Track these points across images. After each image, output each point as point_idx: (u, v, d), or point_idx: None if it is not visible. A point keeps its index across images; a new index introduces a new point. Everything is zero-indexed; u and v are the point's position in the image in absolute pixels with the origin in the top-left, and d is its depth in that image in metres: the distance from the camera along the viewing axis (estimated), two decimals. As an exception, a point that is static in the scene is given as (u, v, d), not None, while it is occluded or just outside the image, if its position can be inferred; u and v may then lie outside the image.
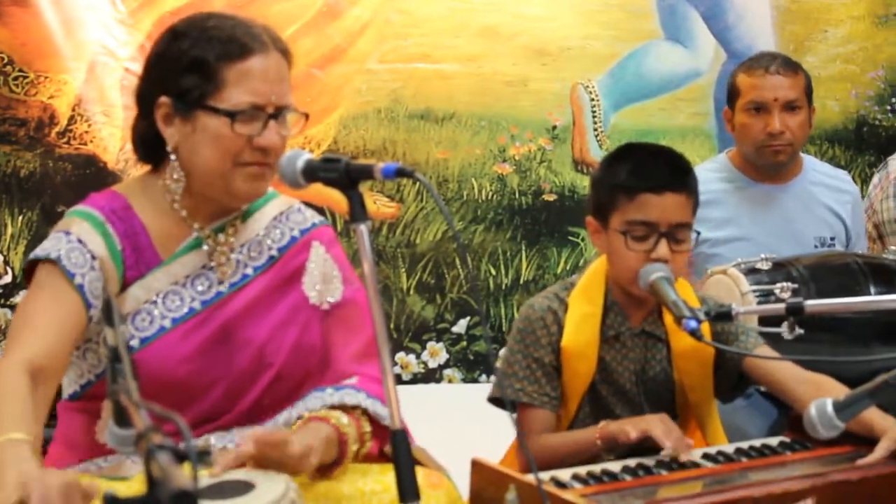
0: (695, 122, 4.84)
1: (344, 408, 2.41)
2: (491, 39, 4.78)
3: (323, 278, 2.57)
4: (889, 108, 4.89)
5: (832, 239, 3.92)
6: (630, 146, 2.89)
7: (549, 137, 4.81)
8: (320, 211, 3.60)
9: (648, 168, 2.75)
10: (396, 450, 1.95)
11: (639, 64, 4.84)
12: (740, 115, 3.81)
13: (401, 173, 2.01)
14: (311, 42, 4.68)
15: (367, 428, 2.42)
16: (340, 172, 2.04)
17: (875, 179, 4.21)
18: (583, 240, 4.70)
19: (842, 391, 2.43)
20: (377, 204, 4.75)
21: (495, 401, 2.84)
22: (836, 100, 4.89)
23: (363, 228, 2.01)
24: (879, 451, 2.47)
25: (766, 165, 3.85)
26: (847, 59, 4.92)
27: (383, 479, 2.35)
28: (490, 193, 4.79)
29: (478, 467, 2.35)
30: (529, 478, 2.18)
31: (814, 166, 3.99)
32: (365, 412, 2.43)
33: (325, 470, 2.34)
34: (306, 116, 2.46)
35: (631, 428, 2.55)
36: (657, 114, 4.84)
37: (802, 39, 4.89)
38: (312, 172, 2.07)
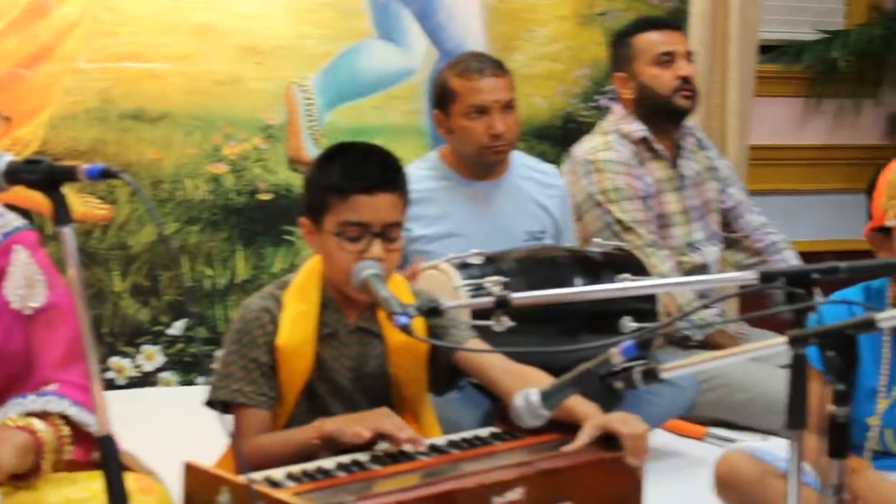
0: (408, 119, 4.90)
1: (45, 414, 2.35)
2: (203, 38, 4.73)
3: (26, 282, 2.50)
4: (593, 104, 5.06)
5: (542, 232, 4.03)
6: (341, 146, 2.90)
7: (264, 136, 4.80)
8: (27, 213, 3.49)
9: (360, 169, 2.77)
10: (104, 456, 1.92)
11: (352, 62, 4.87)
12: (460, 119, 3.87)
13: (106, 174, 1.97)
14: (17, 41, 4.54)
15: (66, 432, 2.36)
16: (43, 174, 1.99)
17: (564, 169, 4.36)
18: (299, 238, 4.70)
19: (548, 381, 2.50)
20: (88, 206, 4.64)
21: (212, 404, 2.82)
22: (544, 97, 5.03)
23: (67, 231, 1.96)
24: (582, 437, 2.56)
25: (486, 165, 3.93)
26: (553, 57, 5.06)
27: (91, 486, 2.30)
28: (205, 193, 4.74)
29: (190, 470, 2.33)
30: (242, 479, 2.17)
31: (522, 161, 4.09)
32: (67, 419, 2.37)
33: (21, 478, 2.27)
34: (7, 119, 2.39)
35: (361, 427, 2.56)
36: (371, 112, 4.88)
37: (510, 38, 5.01)
38: (14, 174, 2.02)
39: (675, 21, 4.59)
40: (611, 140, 4.32)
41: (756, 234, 4.58)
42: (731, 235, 4.57)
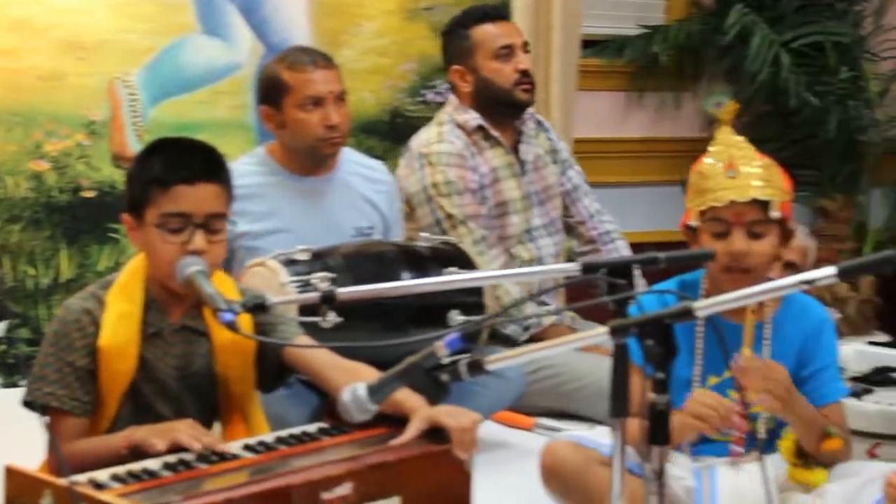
0: (235, 115, 4.86)
1: None
2: (24, 32, 4.62)
3: None
4: (420, 99, 5.08)
5: (370, 228, 4.04)
6: (163, 140, 2.88)
7: (87, 133, 4.71)
8: None
9: (181, 160, 2.76)
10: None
11: (176, 57, 4.80)
12: (294, 112, 3.86)
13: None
14: None
15: None
16: None
17: (402, 162, 4.38)
18: (124, 236, 4.63)
19: (376, 376, 2.50)
20: None
21: (29, 404, 2.76)
22: (371, 92, 5.03)
23: None
24: (410, 431, 2.58)
25: (319, 158, 3.92)
26: (380, 52, 5.06)
27: None
28: (26, 191, 4.63)
29: (11, 474, 2.28)
30: (65, 481, 2.13)
31: (350, 157, 4.09)
32: None
33: None
34: None
35: (158, 440, 2.54)
36: (197, 107, 4.83)
37: (337, 33, 5.00)
38: None
39: (505, 9, 4.59)
40: (445, 131, 4.32)
41: (591, 221, 4.63)
42: (568, 220, 4.62)
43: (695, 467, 2.97)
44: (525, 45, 4.38)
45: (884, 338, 5.40)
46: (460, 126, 4.33)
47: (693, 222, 3.00)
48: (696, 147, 5.78)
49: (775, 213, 2.92)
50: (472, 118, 4.33)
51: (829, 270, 2.06)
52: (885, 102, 5.68)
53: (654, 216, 5.44)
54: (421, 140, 4.33)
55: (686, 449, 2.96)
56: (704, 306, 2.07)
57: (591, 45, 5.63)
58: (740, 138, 3.03)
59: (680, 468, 2.95)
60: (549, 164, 4.52)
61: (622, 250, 4.58)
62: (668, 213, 5.48)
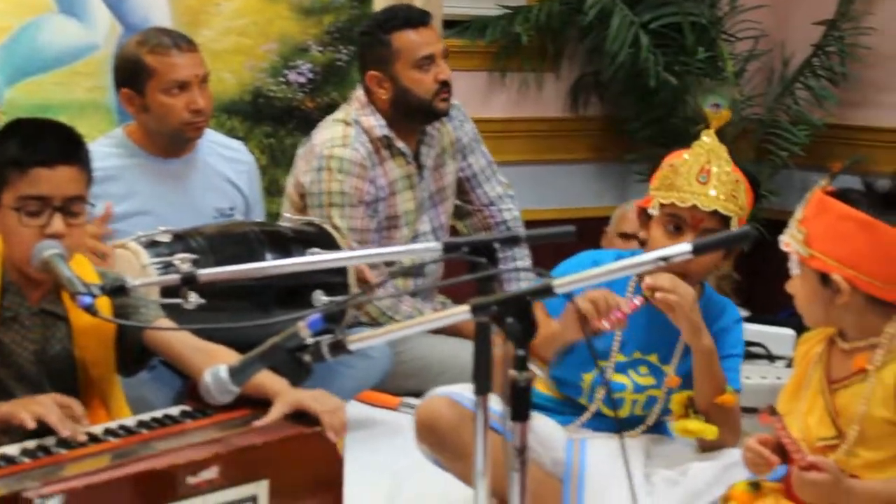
0: (93, 96, 4.77)
1: None
2: None
3: None
4: (282, 79, 5.05)
5: (232, 209, 4.01)
6: (18, 121, 2.83)
7: (-59, 115, 4.59)
8: None
9: (38, 142, 2.71)
10: None
11: (32, 38, 4.70)
12: (158, 96, 3.81)
13: None
14: None
15: None
16: None
17: (300, 151, 4.34)
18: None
19: (238, 357, 2.49)
20: None
21: None
22: (232, 72, 4.97)
23: None
24: (274, 412, 2.57)
25: (182, 141, 3.88)
26: (241, 32, 5.01)
27: None
28: None
29: None
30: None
31: (210, 138, 4.06)
32: None
33: None
34: None
35: (26, 416, 2.49)
36: (54, 88, 4.73)
37: (197, 13, 4.93)
38: None
39: (427, 14, 4.41)
40: (351, 135, 4.21)
41: (490, 209, 4.60)
42: (466, 207, 4.61)
43: (566, 439, 3.00)
44: (445, 52, 4.28)
45: (743, 313, 5.51)
46: (366, 131, 4.24)
47: (652, 210, 3.03)
48: (558, 127, 5.89)
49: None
50: (379, 125, 4.24)
51: (684, 247, 2.10)
52: (742, 82, 5.78)
53: (518, 196, 5.47)
54: (325, 139, 4.23)
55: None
56: (564, 283, 2.09)
57: (452, 25, 5.64)
58: (722, 147, 3.06)
59: (552, 438, 2.99)
60: (447, 161, 4.47)
61: (519, 240, 4.56)
62: (528, 192, 5.53)
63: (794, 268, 2.54)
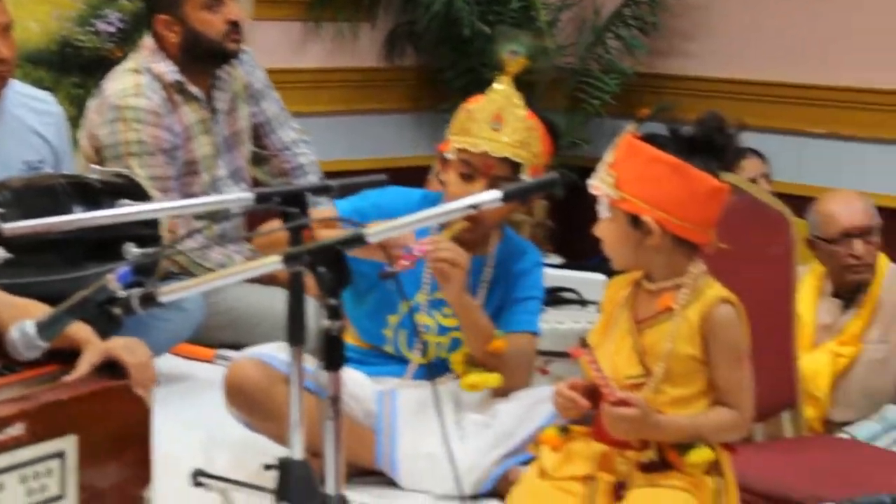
0: None
1: None
2: None
3: None
4: (91, 29, 4.94)
5: (40, 162, 3.92)
6: None
7: None
8: None
9: None
10: None
11: None
12: None
13: None
14: None
15: None
16: None
17: (91, 104, 4.24)
18: None
19: (46, 312, 2.44)
20: None
21: None
22: (37, 21, 4.85)
23: None
24: (82, 366, 2.52)
25: None
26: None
27: None
28: None
29: None
30: None
31: (16, 89, 3.95)
32: None
33: None
34: None
35: None
36: None
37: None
38: None
39: None
40: (143, 84, 4.13)
41: (285, 153, 4.56)
42: (262, 153, 4.56)
43: (376, 390, 3.02)
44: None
45: (556, 260, 5.60)
46: (157, 78, 4.16)
47: (448, 155, 3.04)
48: (373, 77, 5.88)
49: (523, 177, 2.99)
50: (171, 71, 4.17)
51: (494, 194, 2.12)
52: (555, 31, 5.84)
53: (331, 147, 5.46)
54: (116, 90, 4.14)
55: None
56: (375, 232, 2.10)
57: (266, -27, 5.58)
58: (517, 94, 3.06)
59: (362, 390, 3.00)
60: (240, 105, 4.42)
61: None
62: (346, 143, 5.53)
63: (603, 211, 2.58)
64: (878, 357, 4.01)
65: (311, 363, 2.20)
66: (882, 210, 4.24)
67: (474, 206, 2.12)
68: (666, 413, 2.51)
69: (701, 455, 2.48)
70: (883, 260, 4.08)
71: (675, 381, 2.54)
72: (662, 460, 2.52)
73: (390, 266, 2.78)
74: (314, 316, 2.12)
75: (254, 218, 4.45)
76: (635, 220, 2.54)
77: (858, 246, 4.00)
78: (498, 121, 2.99)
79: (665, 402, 2.52)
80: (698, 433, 2.50)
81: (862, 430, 3.85)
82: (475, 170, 2.98)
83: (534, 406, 2.91)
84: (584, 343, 2.49)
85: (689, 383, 2.54)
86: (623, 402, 2.44)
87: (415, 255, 2.83)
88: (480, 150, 2.97)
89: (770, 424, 3.61)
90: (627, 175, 2.53)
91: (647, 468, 2.52)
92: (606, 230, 2.58)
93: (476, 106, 3.03)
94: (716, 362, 2.54)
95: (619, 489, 2.52)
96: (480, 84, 5.56)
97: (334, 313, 2.06)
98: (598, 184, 2.56)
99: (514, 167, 3.00)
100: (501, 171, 2.98)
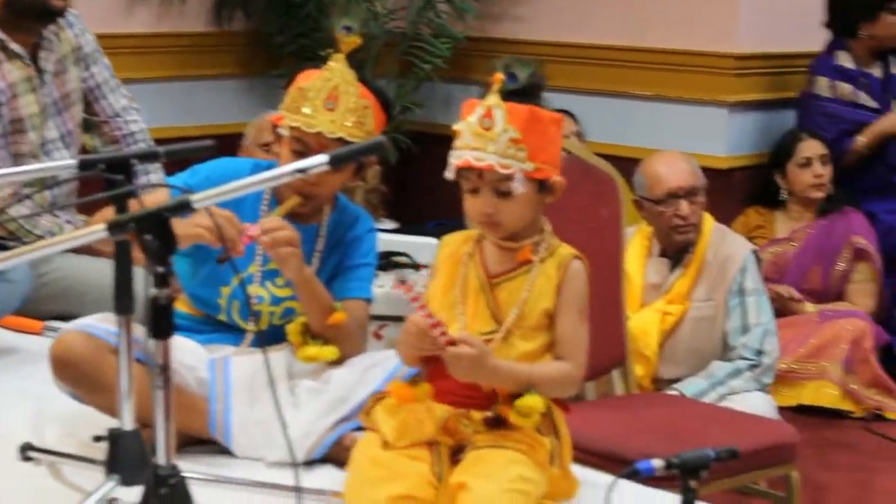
0: None
1: None
2: None
3: None
4: None
5: None
6: None
7: None
8: None
9: None
10: None
11: None
12: None
13: None
14: None
15: None
16: None
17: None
18: None
19: None
20: None
21: None
22: None
23: None
24: None
25: None
26: None
27: None
28: None
29: None
30: None
31: None
32: None
33: None
34: None
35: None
36: None
37: None
38: None
39: None
40: None
41: (116, 120, 4.45)
42: (92, 119, 4.45)
43: (209, 358, 2.99)
44: None
45: (391, 225, 5.62)
46: None
47: (281, 130, 3.00)
48: (203, 42, 5.81)
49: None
50: None
51: (320, 158, 2.12)
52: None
53: (163, 113, 5.39)
54: None
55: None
56: (202, 198, 2.08)
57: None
58: (351, 73, 3.01)
59: (193, 359, 2.97)
60: (69, 68, 4.31)
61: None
62: (174, 108, 5.46)
63: (518, 188, 2.54)
64: (704, 315, 4.09)
65: (140, 332, 2.17)
66: (706, 170, 4.34)
67: (301, 171, 2.12)
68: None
69: (531, 402, 2.50)
70: (708, 220, 4.17)
71: (526, 334, 2.56)
72: (505, 417, 2.54)
73: (225, 249, 2.75)
74: (143, 284, 2.09)
75: (88, 185, 4.37)
76: (542, 184, 2.56)
77: (684, 206, 4.08)
78: (332, 100, 2.97)
79: (514, 356, 2.54)
80: (533, 383, 2.52)
81: (690, 387, 3.94)
82: (309, 148, 2.95)
83: (367, 371, 2.91)
84: (403, 281, 2.49)
85: (537, 337, 2.57)
86: (461, 342, 2.45)
87: (247, 240, 2.80)
88: (314, 130, 2.95)
89: (601, 383, 3.68)
90: (535, 144, 2.53)
91: (491, 425, 2.54)
92: (515, 204, 2.56)
93: (309, 84, 3.00)
94: (562, 314, 2.57)
95: (456, 452, 2.53)
96: (311, 49, 5.59)
97: (162, 281, 2.03)
98: (508, 162, 2.51)
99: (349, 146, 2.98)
100: (336, 149, 2.97)
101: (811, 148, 5.34)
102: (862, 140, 5.51)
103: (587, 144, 5.25)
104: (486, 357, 2.46)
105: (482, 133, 2.51)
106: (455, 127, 2.55)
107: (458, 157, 2.53)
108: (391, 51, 5.94)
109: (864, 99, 5.56)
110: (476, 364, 2.46)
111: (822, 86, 5.54)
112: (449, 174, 2.55)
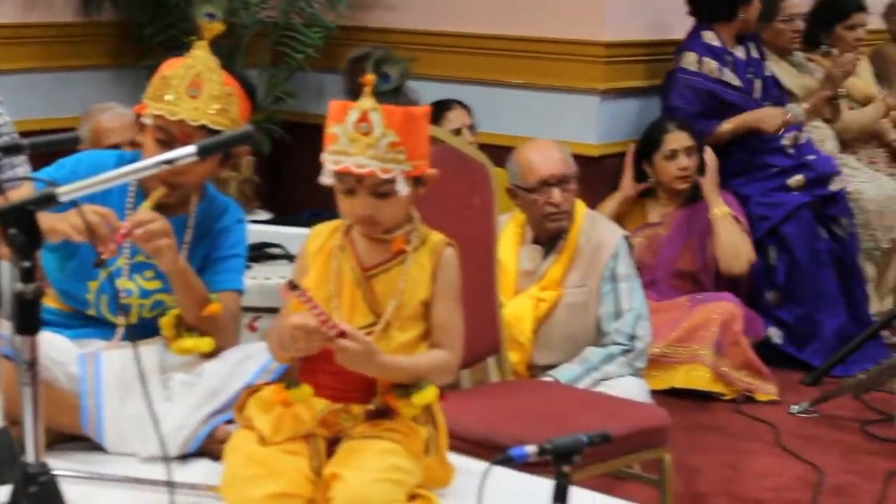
0: None
1: None
2: None
3: None
4: None
5: None
6: None
7: None
8: None
9: None
10: None
11: None
12: None
13: None
14: None
15: None
16: None
17: None
18: None
19: None
20: None
21: None
22: None
23: None
24: None
25: None
26: None
27: None
28: None
29: None
30: None
31: None
32: None
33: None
34: None
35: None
36: None
37: None
38: None
39: None
40: None
41: None
42: None
43: (79, 353, 2.95)
44: None
45: (265, 216, 5.59)
46: None
47: (145, 119, 2.95)
48: (71, 32, 5.71)
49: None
50: None
51: (189, 149, 2.10)
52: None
53: (32, 105, 5.30)
54: None
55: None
56: (68, 191, 2.05)
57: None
58: (214, 60, 2.97)
59: (63, 354, 2.92)
60: None
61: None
62: (42, 100, 5.37)
63: (399, 190, 2.51)
64: (577, 301, 4.13)
65: (6, 328, 2.13)
66: (579, 158, 4.38)
67: (169, 162, 2.10)
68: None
69: (425, 396, 2.52)
70: (580, 207, 4.21)
71: (404, 325, 2.56)
72: (388, 408, 2.54)
73: (100, 254, 2.71)
74: (7, 279, 2.06)
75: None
76: (417, 179, 2.55)
77: (556, 194, 4.11)
78: (195, 87, 2.94)
79: (392, 348, 2.54)
80: (418, 373, 2.53)
81: (564, 373, 3.97)
82: (173, 137, 2.92)
83: (240, 363, 2.89)
84: (292, 285, 2.46)
85: (414, 327, 2.57)
86: (346, 335, 2.44)
87: (120, 238, 2.76)
88: (177, 118, 2.92)
89: (476, 371, 3.70)
90: (413, 144, 2.52)
91: (372, 416, 2.54)
92: (394, 204, 2.54)
93: (172, 72, 2.96)
94: (437, 302, 2.58)
95: (331, 444, 2.53)
96: (180, 39, 5.53)
97: (27, 276, 2.00)
98: (389, 166, 2.49)
99: (213, 134, 2.94)
100: (200, 139, 2.93)
101: (677, 140, 5.41)
102: (727, 127, 5.62)
103: (479, 136, 5.27)
104: (375, 353, 2.47)
105: (359, 138, 2.49)
106: (329, 131, 2.52)
107: (337, 163, 2.50)
108: (262, 41, 5.90)
109: (729, 77, 5.66)
110: (364, 358, 2.46)
111: (690, 60, 5.62)
112: (326, 179, 2.53)
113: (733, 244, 5.35)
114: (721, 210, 5.36)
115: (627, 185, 5.44)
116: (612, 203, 5.41)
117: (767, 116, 5.67)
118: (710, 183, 5.40)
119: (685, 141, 5.41)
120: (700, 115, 5.58)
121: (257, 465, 2.48)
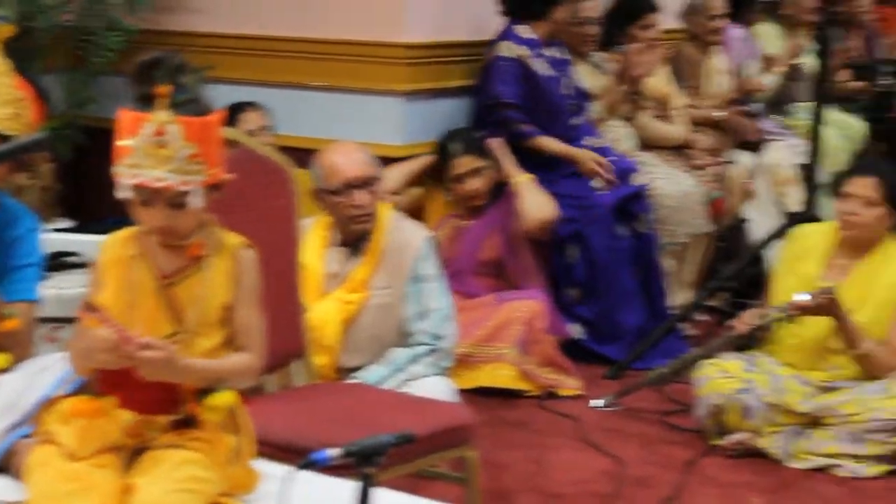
0: None
1: None
2: None
3: None
4: None
5: None
6: None
7: None
8: None
9: None
10: None
11: None
12: None
13: None
14: None
15: None
16: None
17: None
18: None
19: None
20: None
21: None
22: None
23: None
24: None
25: None
26: None
27: None
28: None
29: None
30: None
31: None
32: None
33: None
34: None
35: None
36: None
37: None
38: None
39: None
40: None
41: None
42: None
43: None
44: None
45: (69, 223, 5.48)
46: None
47: None
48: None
49: None
50: None
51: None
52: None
53: None
54: None
55: None
56: None
57: None
58: (4, 63, 2.89)
59: None
60: None
61: None
62: None
63: (196, 202, 2.49)
64: (384, 302, 4.14)
65: None
66: (386, 159, 4.39)
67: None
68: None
69: (222, 398, 2.51)
70: (385, 209, 4.23)
71: (207, 331, 2.56)
72: (192, 417, 2.53)
73: None
74: None
75: None
76: (213, 185, 2.53)
77: (360, 196, 4.12)
78: None
79: (197, 355, 2.53)
80: (220, 376, 2.54)
81: (371, 375, 3.99)
82: None
83: (37, 375, 2.83)
84: (91, 307, 2.43)
85: (217, 333, 2.57)
86: (147, 346, 2.42)
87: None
88: None
89: (281, 375, 3.69)
90: (210, 153, 2.50)
91: (176, 426, 2.52)
92: (191, 213, 2.52)
93: None
94: (238, 305, 2.59)
95: (136, 454, 2.51)
96: (26, 39, 5.38)
97: None
98: (188, 178, 2.46)
99: (4, 141, 2.88)
100: None
101: (463, 164, 5.50)
102: (548, 146, 5.71)
103: (277, 137, 5.25)
104: (175, 358, 2.45)
105: (156, 152, 2.45)
106: (122, 144, 2.48)
107: (134, 177, 2.47)
108: (62, 44, 5.78)
109: (541, 67, 5.74)
110: (167, 365, 2.44)
111: (504, 48, 5.69)
112: (122, 193, 2.49)
113: (536, 201, 5.48)
114: (523, 177, 5.49)
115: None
116: (407, 166, 5.49)
117: (583, 159, 5.77)
118: (504, 160, 5.51)
119: (471, 163, 5.50)
120: (518, 94, 5.65)
121: (70, 480, 2.45)
